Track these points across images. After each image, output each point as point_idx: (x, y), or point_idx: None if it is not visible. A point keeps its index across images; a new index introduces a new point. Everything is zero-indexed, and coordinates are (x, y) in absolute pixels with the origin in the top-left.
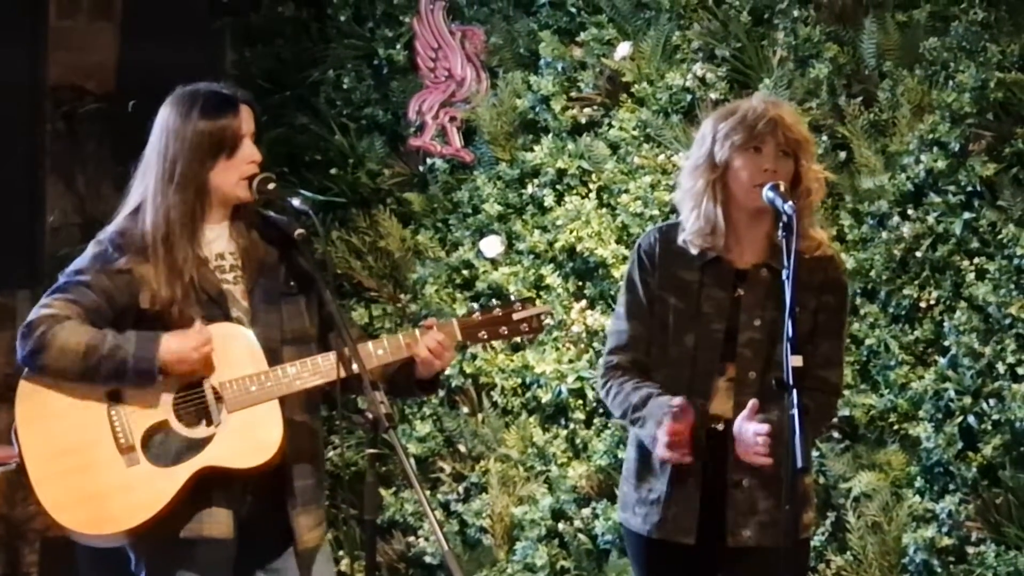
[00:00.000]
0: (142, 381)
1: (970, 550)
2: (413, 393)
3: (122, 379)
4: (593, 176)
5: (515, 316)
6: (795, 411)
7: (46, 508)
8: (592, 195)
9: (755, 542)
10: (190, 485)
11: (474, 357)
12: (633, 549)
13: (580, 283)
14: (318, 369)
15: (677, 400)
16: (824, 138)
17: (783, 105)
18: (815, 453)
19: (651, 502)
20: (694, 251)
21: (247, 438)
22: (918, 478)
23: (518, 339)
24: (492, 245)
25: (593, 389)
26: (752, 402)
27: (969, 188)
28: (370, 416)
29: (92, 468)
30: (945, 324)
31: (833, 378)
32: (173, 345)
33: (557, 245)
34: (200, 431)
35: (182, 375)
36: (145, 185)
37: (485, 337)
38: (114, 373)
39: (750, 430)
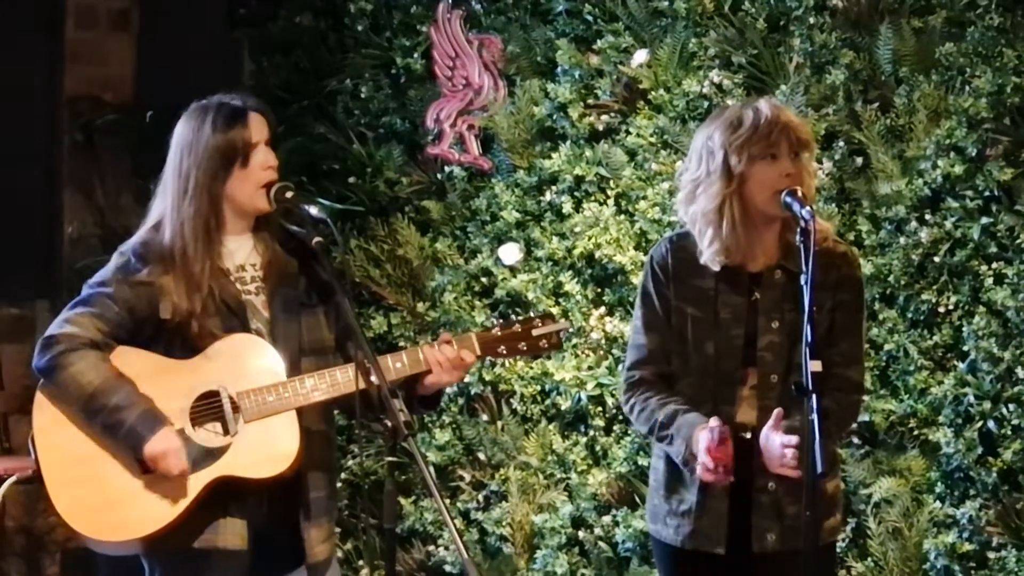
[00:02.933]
0: (127, 444)
1: (991, 555)
2: (413, 410)
3: (111, 434)
4: (611, 183)
5: (534, 332)
6: (814, 416)
7: (61, 514)
8: (610, 202)
9: (779, 547)
10: (205, 494)
11: (493, 364)
12: (664, 561)
13: (599, 290)
14: (336, 382)
15: (714, 422)
16: (841, 144)
17: (785, 108)
18: None
19: (682, 513)
20: (715, 268)
21: (263, 448)
22: (938, 483)
23: (537, 355)
24: (510, 252)
25: (613, 396)
26: (777, 411)
27: (987, 193)
28: (389, 424)
29: (108, 475)
30: (964, 329)
31: (855, 376)
32: (161, 444)
33: (576, 252)
34: (216, 440)
35: (152, 467)
36: (164, 201)
37: (504, 352)
38: (107, 426)
39: (777, 442)
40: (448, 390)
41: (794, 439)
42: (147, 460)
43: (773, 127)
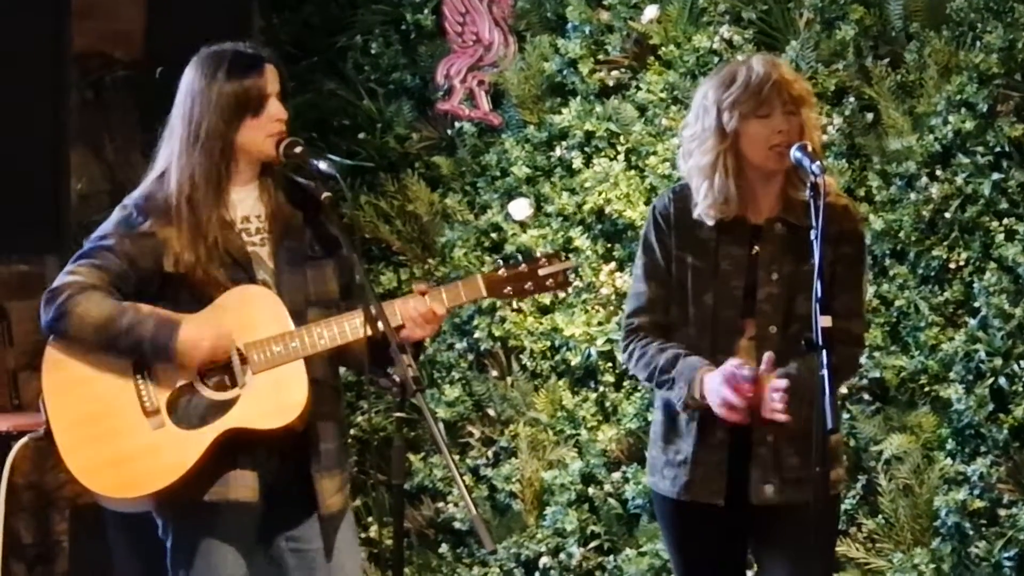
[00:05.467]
0: (158, 360)
1: (1002, 512)
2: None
3: (139, 355)
4: (621, 138)
5: (541, 272)
6: (824, 372)
7: (74, 473)
8: (620, 157)
9: (777, 499)
10: (216, 447)
11: (503, 320)
12: (662, 512)
13: (609, 245)
14: (343, 330)
15: (737, 361)
16: (851, 100)
17: (780, 64)
18: (845, 416)
19: (678, 464)
20: (710, 223)
21: (272, 399)
22: (949, 440)
23: (544, 295)
24: (520, 208)
25: None
26: (767, 355)
27: (997, 149)
28: (398, 380)
29: (118, 432)
30: (975, 285)
31: (855, 329)
32: (190, 334)
33: (585, 207)
34: (225, 393)
35: (194, 361)
36: (171, 148)
37: (510, 293)
38: (130, 349)
39: (767, 386)
40: (457, 345)
41: (783, 383)
42: (185, 354)
43: (764, 84)
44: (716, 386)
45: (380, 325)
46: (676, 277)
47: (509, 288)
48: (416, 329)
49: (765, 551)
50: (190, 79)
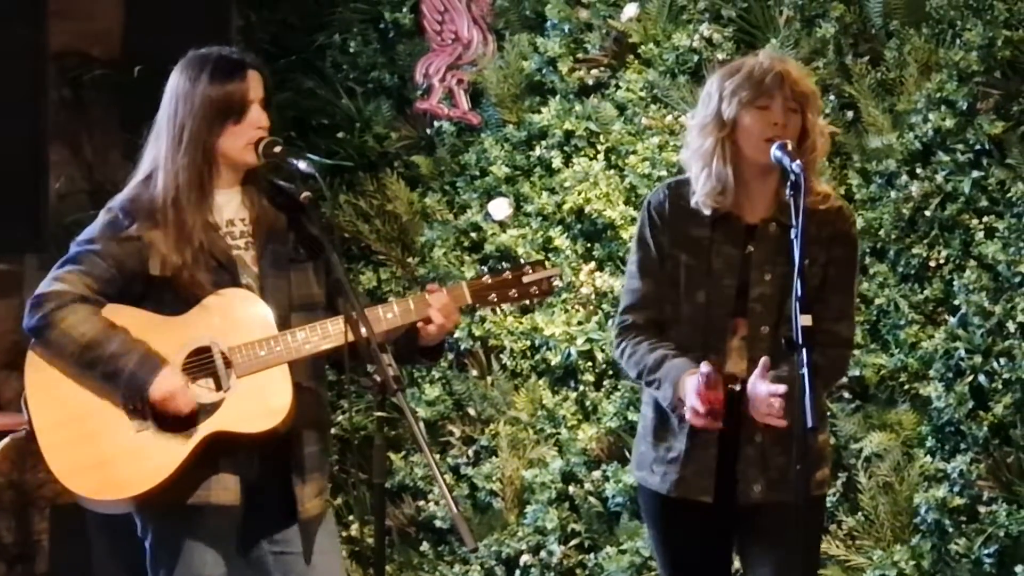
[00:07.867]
0: (128, 395)
1: (982, 509)
2: (416, 360)
3: (111, 383)
4: (601, 137)
5: (525, 279)
6: (804, 370)
7: (55, 475)
8: (600, 156)
9: (764, 499)
10: (199, 450)
11: (483, 320)
12: (650, 508)
13: (589, 245)
14: (327, 333)
15: (705, 367)
16: (831, 97)
17: (789, 60)
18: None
19: (669, 461)
20: (706, 211)
21: (256, 403)
22: (929, 438)
23: (528, 302)
24: (500, 207)
25: (603, 351)
26: (763, 360)
27: (977, 147)
28: (378, 380)
29: (101, 434)
30: (955, 283)
31: (845, 331)
32: (167, 385)
33: (565, 207)
34: (209, 396)
35: (160, 410)
36: (157, 150)
37: (495, 300)
38: (106, 376)
39: (763, 391)
40: None
41: (781, 388)
42: (154, 404)
43: (766, 75)
44: (689, 391)
45: (391, 320)
46: (669, 274)
47: (494, 295)
48: (444, 321)
49: (751, 548)
50: (175, 82)
